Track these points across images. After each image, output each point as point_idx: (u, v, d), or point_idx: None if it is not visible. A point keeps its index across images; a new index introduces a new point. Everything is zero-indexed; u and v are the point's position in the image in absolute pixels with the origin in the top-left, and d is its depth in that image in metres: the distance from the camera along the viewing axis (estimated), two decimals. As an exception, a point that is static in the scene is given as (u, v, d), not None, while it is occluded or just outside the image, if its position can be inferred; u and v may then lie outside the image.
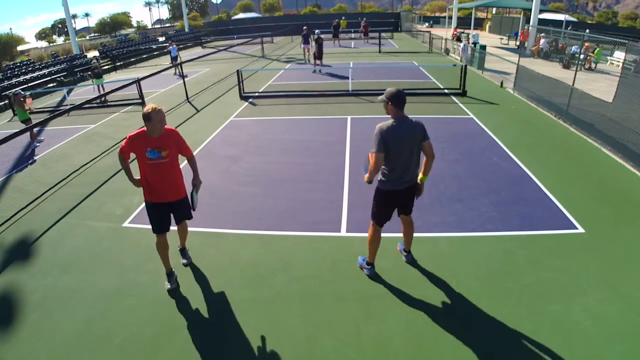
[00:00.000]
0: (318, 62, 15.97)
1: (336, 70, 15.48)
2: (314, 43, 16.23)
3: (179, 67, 17.72)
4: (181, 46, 27.83)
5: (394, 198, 3.55)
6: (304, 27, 18.66)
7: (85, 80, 19.02)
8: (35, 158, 8.08)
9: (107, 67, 21.79)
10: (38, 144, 8.89)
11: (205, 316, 3.50)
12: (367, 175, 3.46)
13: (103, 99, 11.90)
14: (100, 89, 13.76)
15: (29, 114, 9.07)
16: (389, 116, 3.38)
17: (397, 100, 3.27)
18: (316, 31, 17.37)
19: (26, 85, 16.53)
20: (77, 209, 5.63)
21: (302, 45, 18.46)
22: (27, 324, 3.50)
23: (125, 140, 3.53)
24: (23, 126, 8.46)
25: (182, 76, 13.68)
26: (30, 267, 4.35)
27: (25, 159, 8.08)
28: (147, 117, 3.41)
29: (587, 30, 21.10)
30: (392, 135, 3.24)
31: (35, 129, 8.90)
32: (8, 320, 3.55)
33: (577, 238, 4.41)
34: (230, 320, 3.45)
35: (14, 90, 9.46)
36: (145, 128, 3.50)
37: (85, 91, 15.44)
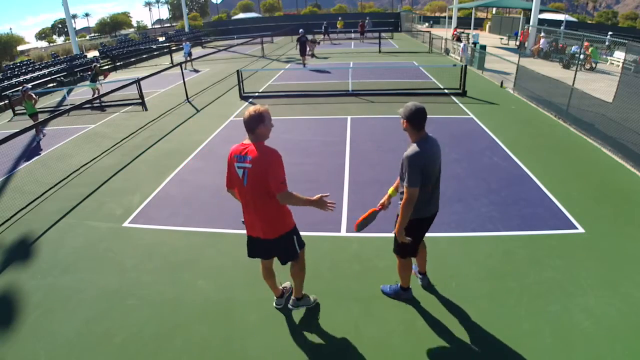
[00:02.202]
0: (303, 58, 17.61)
1: (336, 70, 15.48)
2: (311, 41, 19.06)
3: (190, 63, 18.47)
4: (181, 46, 28.00)
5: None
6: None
7: (85, 80, 19.04)
8: (41, 153, 8.32)
9: (107, 67, 21.81)
10: (42, 136, 9.28)
11: (206, 316, 3.50)
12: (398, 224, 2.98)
13: (99, 101, 12.09)
14: (95, 92, 13.54)
15: (36, 109, 9.53)
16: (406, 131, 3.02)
17: (418, 119, 2.87)
18: (300, 30, 18.18)
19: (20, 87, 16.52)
20: (77, 209, 5.63)
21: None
22: (27, 324, 3.49)
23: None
24: (30, 122, 8.77)
25: (192, 71, 14.15)
26: (30, 267, 4.35)
27: (32, 153, 8.37)
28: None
29: (610, 33, 20.98)
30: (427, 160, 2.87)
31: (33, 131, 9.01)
32: (8, 320, 3.54)
33: (577, 238, 4.41)
34: (230, 320, 3.44)
35: (21, 87, 9.88)
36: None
37: (85, 91, 15.44)
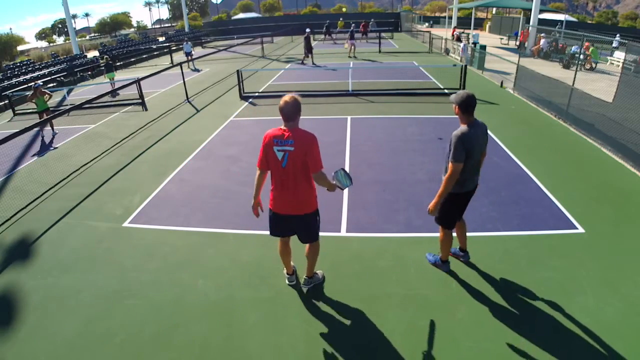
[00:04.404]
0: (306, 56, 18.00)
1: (336, 71, 15.48)
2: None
3: (192, 62, 18.91)
4: (181, 46, 28.06)
5: (460, 200, 3.56)
6: (352, 24, 22.36)
7: (85, 80, 19.03)
8: (50, 149, 8.54)
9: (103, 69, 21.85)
10: (44, 135, 9.51)
11: (206, 316, 3.50)
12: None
13: (114, 94, 12.95)
14: (112, 82, 14.85)
15: (48, 105, 9.80)
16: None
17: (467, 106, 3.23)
18: (307, 29, 18.50)
19: (26, 85, 16.54)
20: (77, 209, 5.63)
21: (349, 41, 20.54)
22: (27, 324, 3.49)
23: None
24: (32, 120, 8.93)
25: (193, 70, 15.70)
26: (30, 267, 4.35)
27: (32, 152, 8.49)
28: None
29: (618, 36, 20.98)
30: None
31: (37, 128, 9.07)
32: (8, 320, 3.55)
33: (577, 238, 4.41)
34: (230, 320, 3.44)
35: (33, 84, 10.19)
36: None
37: (85, 91, 15.45)
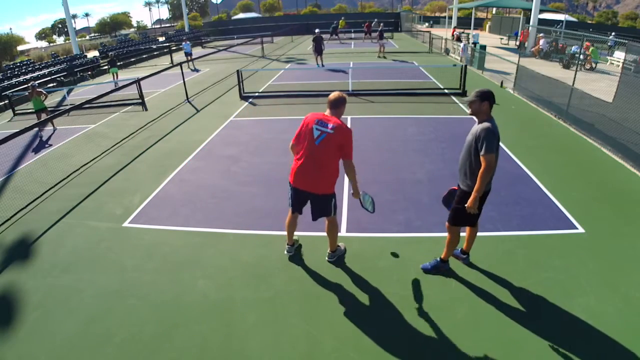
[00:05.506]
0: (319, 57, 17.09)
1: (336, 71, 15.48)
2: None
3: (192, 62, 18.92)
4: (181, 46, 28.09)
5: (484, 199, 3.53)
6: (381, 24, 21.61)
7: (85, 80, 19.04)
8: (48, 148, 8.61)
9: (106, 67, 21.81)
10: (56, 128, 9.91)
11: (205, 316, 3.50)
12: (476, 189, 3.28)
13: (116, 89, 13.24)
14: (115, 77, 16.13)
15: (44, 104, 10.10)
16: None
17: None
18: (316, 30, 17.95)
19: (26, 85, 16.54)
20: (77, 209, 5.63)
21: (379, 42, 19.95)
22: (27, 324, 3.49)
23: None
24: (32, 120, 9.08)
25: (193, 70, 16.13)
26: (30, 267, 4.35)
27: (32, 152, 8.49)
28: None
29: (613, 34, 21.03)
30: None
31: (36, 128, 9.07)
32: (8, 320, 3.55)
33: (577, 238, 4.41)
34: (230, 320, 3.44)
35: (30, 84, 10.30)
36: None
37: (85, 91, 15.45)
